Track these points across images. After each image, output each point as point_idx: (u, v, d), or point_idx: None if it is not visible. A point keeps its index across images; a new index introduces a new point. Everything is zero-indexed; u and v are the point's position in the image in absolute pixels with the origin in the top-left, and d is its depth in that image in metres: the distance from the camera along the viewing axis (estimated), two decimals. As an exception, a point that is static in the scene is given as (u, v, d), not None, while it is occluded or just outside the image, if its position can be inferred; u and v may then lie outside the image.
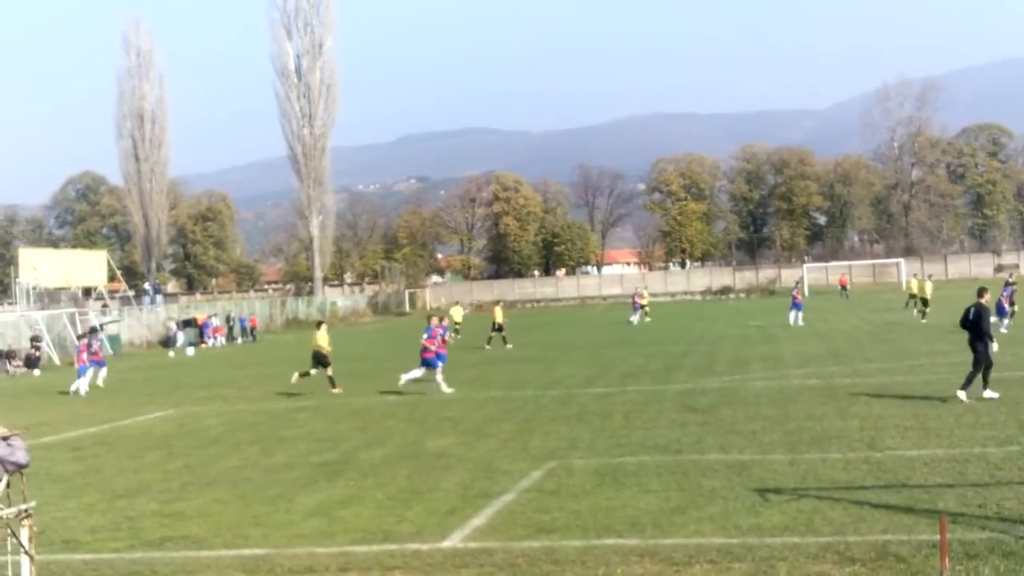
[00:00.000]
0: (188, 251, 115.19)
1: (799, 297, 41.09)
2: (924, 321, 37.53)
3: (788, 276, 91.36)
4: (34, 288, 51.25)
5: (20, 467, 7.03)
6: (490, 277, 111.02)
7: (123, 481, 13.42)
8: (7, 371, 39.75)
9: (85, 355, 28.44)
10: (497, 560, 8.42)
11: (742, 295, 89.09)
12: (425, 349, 21.88)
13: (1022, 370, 19.65)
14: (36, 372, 39.95)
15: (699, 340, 34.97)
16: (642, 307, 50.65)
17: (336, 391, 22.89)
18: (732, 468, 11.67)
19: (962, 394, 15.94)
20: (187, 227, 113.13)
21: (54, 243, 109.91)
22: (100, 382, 29.08)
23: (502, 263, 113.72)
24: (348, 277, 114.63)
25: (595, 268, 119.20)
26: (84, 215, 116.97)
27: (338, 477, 12.67)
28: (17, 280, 52.62)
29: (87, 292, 61.64)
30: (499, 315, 37.35)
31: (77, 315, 49.39)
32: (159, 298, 69.80)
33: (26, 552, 7.12)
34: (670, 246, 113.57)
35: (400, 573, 8.33)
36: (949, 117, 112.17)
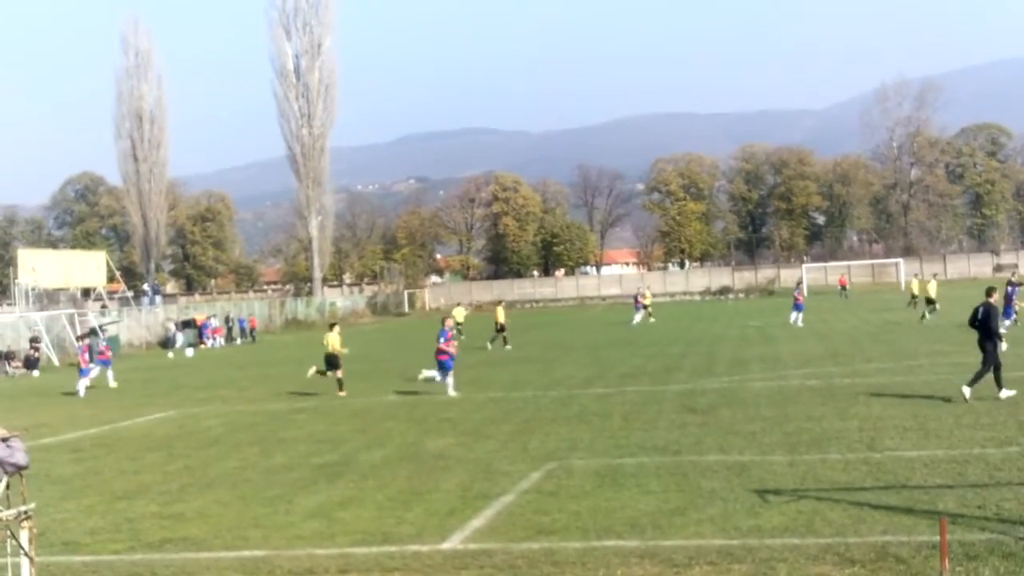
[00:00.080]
0: (187, 252, 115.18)
1: (800, 298, 41.12)
2: (928, 319, 37.53)
3: (787, 276, 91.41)
4: (33, 289, 51.20)
5: (20, 469, 7.03)
6: (489, 277, 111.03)
7: (123, 483, 13.42)
8: (6, 372, 39.74)
9: (87, 356, 28.46)
10: (497, 562, 8.42)
11: (741, 295, 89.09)
12: (441, 351, 21.90)
13: (1022, 370, 19.65)
14: (35, 373, 39.94)
15: (698, 341, 34.96)
16: (645, 307, 50.44)
17: (341, 394, 22.91)
18: (731, 469, 11.67)
19: (967, 390, 15.96)
20: (186, 228, 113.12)
21: (53, 244, 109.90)
22: (111, 382, 29.23)
23: (501, 263, 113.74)
24: (347, 277, 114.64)
25: (594, 268, 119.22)
26: (83, 216, 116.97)
27: (338, 478, 12.67)
28: (16, 281, 52.57)
29: (86, 293, 61.57)
30: (501, 315, 37.33)
31: (76, 316, 49.38)
32: (158, 299, 69.75)
33: (26, 554, 7.12)
34: (669, 246, 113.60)
35: (400, 575, 8.33)
36: (948, 117, 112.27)
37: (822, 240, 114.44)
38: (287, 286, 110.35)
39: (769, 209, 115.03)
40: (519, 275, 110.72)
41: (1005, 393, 15.97)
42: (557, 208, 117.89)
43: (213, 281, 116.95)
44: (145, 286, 78.68)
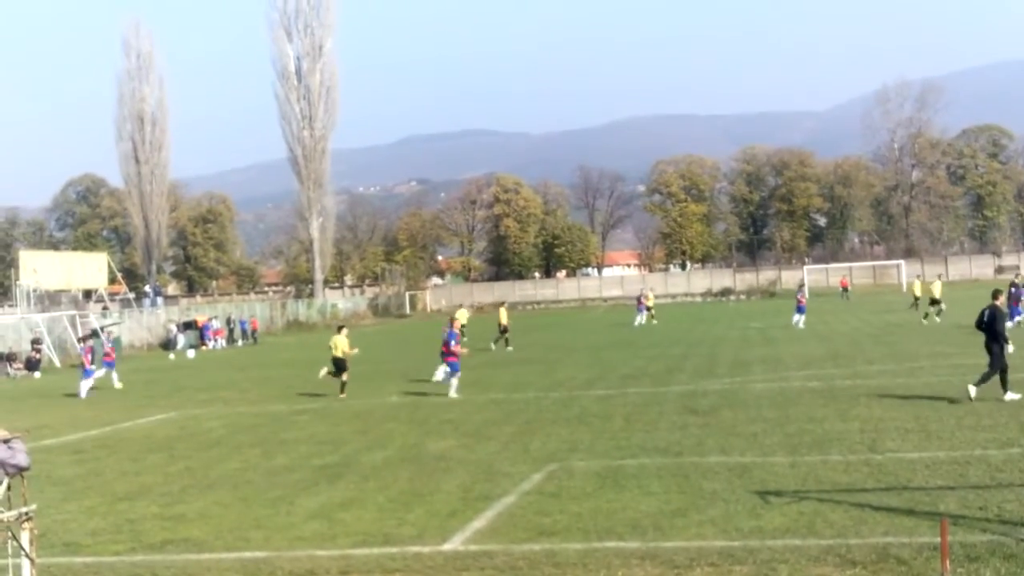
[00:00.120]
0: (188, 253, 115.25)
1: (803, 300, 41.17)
2: (937, 320, 37.64)
3: (788, 278, 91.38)
4: (34, 290, 51.22)
5: (21, 470, 7.03)
6: (490, 279, 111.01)
7: (124, 484, 13.43)
8: (8, 374, 39.75)
9: (91, 357, 28.50)
10: (498, 563, 8.41)
11: (742, 297, 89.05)
12: (451, 353, 22.06)
13: (1022, 372, 19.63)
14: (37, 375, 39.95)
15: (699, 342, 34.96)
16: (648, 308, 50.51)
17: (342, 396, 22.95)
18: (733, 470, 11.67)
19: (972, 389, 15.98)
20: (187, 229, 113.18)
21: (54, 245, 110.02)
22: (116, 383, 29.28)
23: (502, 265, 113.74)
24: (348, 279, 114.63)
25: (595, 270, 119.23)
26: (84, 217, 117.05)
27: (339, 480, 12.67)
28: (17, 282, 52.56)
29: (87, 294, 61.60)
30: (504, 317, 37.34)
31: (77, 318, 49.41)
32: (159, 300, 69.79)
33: (27, 555, 7.12)
34: (670, 248, 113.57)
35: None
36: (949, 118, 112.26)
37: (823, 242, 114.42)
38: (288, 288, 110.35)
39: (770, 211, 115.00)
40: (520, 277, 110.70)
41: (1010, 396, 15.94)
42: (558, 210, 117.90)
43: (214, 283, 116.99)
44: (146, 288, 78.76)
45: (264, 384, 28.44)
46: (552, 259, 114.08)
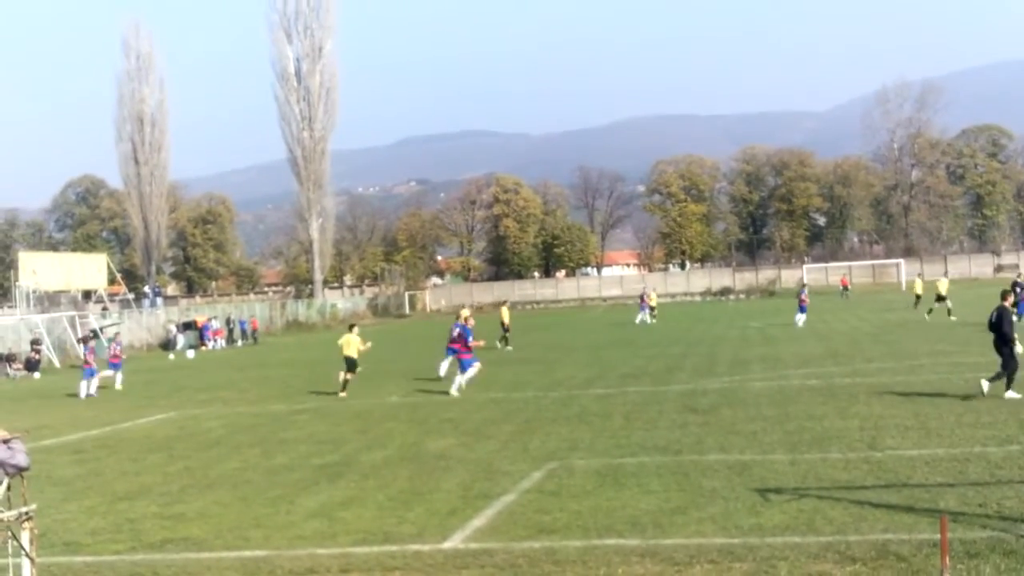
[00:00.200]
0: (188, 254, 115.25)
1: (806, 300, 41.20)
2: (935, 317, 37.71)
3: (788, 277, 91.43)
4: (34, 291, 51.24)
5: (21, 470, 7.03)
6: (490, 279, 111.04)
7: (124, 484, 13.43)
8: (7, 374, 39.74)
9: (92, 357, 28.51)
10: (498, 561, 8.42)
11: (742, 296, 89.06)
12: (467, 349, 22.35)
13: (1021, 370, 19.62)
14: (36, 375, 39.95)
15: (699, 341, 34.97)
16: (651, 308, 50.83)
17: (342, 395, 22.97)
18: (733, 468, 11.67)
19: (985, 384, 15.98)
20: (187, 230, 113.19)
21: (54, 246, 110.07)
22: (118, 385, 29.26)
23: (502, 265, 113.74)
24: (348, 279, 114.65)
25: (595, 270, 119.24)
26: (84, 218, 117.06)
27: (339, 479, 12.68)
28: (17, 283, 52.61)
29: (87, 295, 61.64)
30: (506, 316, 37.32)
31: (77, 318, 49.41)
32: (159, 301, 69.80)
33: (27, 555, 7.12)
34: (670, 247, 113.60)
35: (401, 574, 8.33)
36: (949, 118, 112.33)
37: (823, 241, 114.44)
38: (288, 288, 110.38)
39: (770, 210, 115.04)
40: (520, 276, 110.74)
41: (1010, 394, 15.93)
42: (558, 210, 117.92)
43: (214, 283, 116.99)
44: (146, 288, 78.79)
45: (263, 384, 28.44)
46: (551, 259, 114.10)
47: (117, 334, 36.11)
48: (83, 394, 27.32)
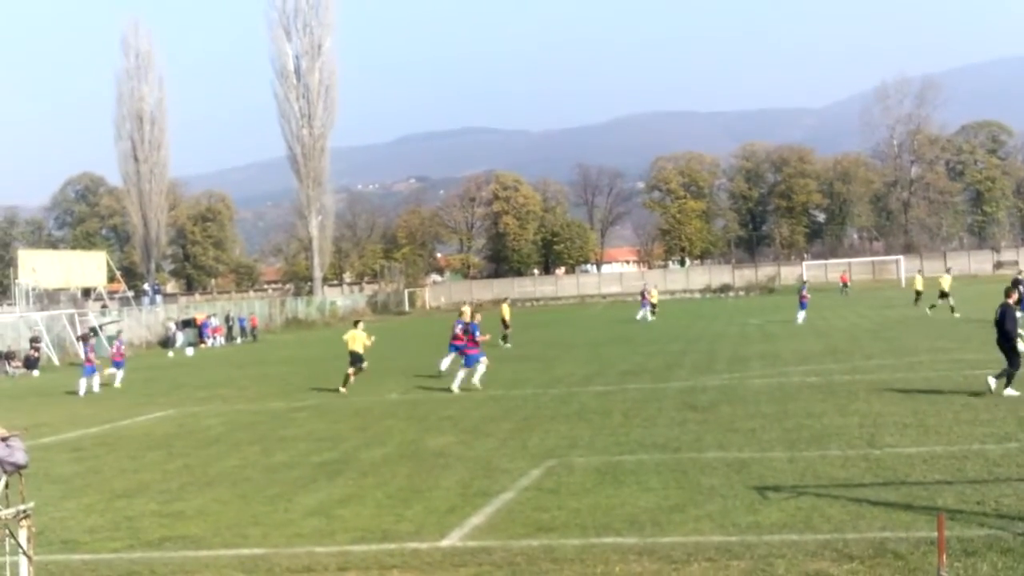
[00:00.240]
0: (187, 252, 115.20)
1: (807, 297, 41.23)
2: (936, 313, 37.74)
3: (787, 274, 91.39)
4: (33, 289, 51.25)
5: (19, 468, 7.03)
6: (489, 276, 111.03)
7: (122, 481, 13.43)
8: (6, 372, 39.77)
9: (93, 355, 28.53)
10: (496, 559, 8.42)
11: (741, 293, 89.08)
12: (474, 344, 22.58)
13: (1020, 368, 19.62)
14: (35, 373, 39.97)
15: (698, 338, 34.97)
16: (652, 305, 51.11)
17: (342, 390, 22.99)
18: (731, 466, 11.67)
19: (992, 380, 16.00)
20: (186, 228, 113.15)
21: (53, 244, 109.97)
22: (117, 383, 29.26)
23: (502, 262, 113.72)
24: (347, 277, 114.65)
25: (594, 267, 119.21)
26: (83, 216, 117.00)
27: (338, 476, 12.68)
28: (16, 281, 52.61)
29: (86, 293, 61.63)
30: (507, 313, 37.35)
31: (76, 316, 49.41)
32: (158, 298, 69.83)
33: (24, 553, 7.12)
34: (669, 244, 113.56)
35: (399, 572, 8.34)
36: (948, 115, 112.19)
37: (822, 238, 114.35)
38: (287, 285, 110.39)
39: (769, 207, 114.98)
40: (520, 274, 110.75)
41: (1009, 392, 15.93)
42: (557, 207, 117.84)
43: (213, 281, 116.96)
44: (145, 286, 78.81)
45: (263, 381, 28.44)
46: (551, 256, 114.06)
47: (120, 332, 36.11)
48: (82, 392, 27.33)
